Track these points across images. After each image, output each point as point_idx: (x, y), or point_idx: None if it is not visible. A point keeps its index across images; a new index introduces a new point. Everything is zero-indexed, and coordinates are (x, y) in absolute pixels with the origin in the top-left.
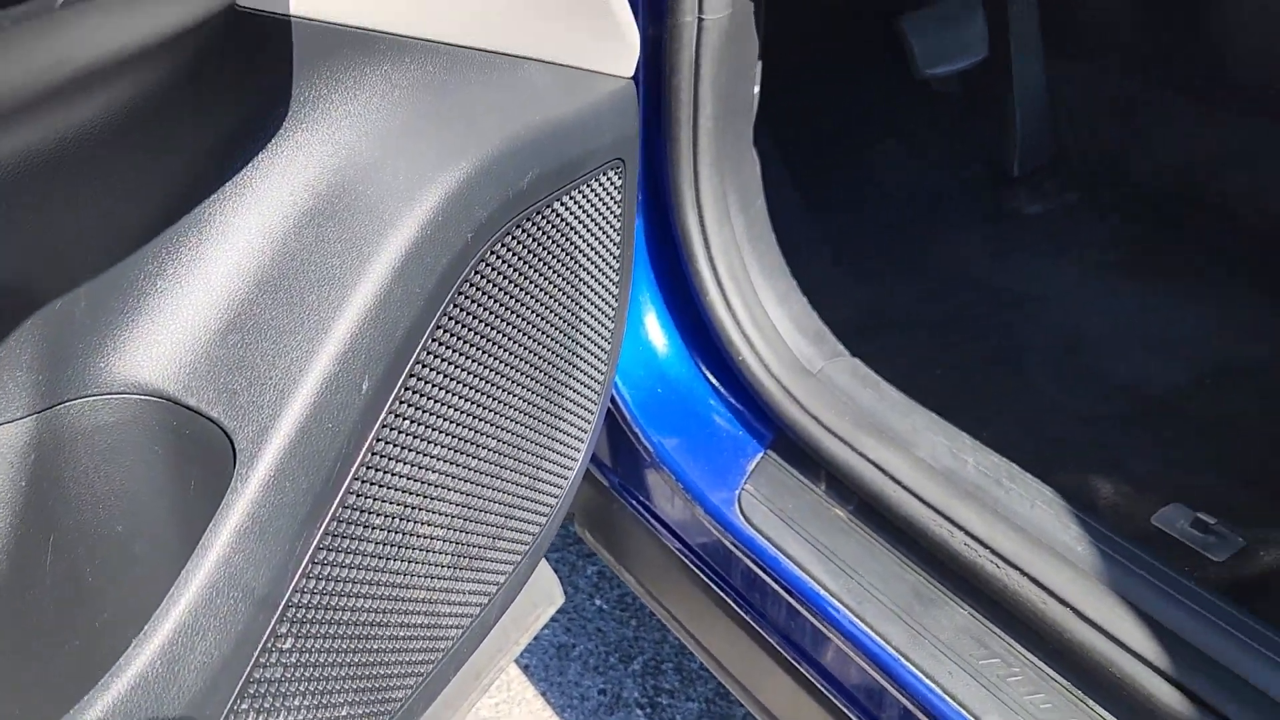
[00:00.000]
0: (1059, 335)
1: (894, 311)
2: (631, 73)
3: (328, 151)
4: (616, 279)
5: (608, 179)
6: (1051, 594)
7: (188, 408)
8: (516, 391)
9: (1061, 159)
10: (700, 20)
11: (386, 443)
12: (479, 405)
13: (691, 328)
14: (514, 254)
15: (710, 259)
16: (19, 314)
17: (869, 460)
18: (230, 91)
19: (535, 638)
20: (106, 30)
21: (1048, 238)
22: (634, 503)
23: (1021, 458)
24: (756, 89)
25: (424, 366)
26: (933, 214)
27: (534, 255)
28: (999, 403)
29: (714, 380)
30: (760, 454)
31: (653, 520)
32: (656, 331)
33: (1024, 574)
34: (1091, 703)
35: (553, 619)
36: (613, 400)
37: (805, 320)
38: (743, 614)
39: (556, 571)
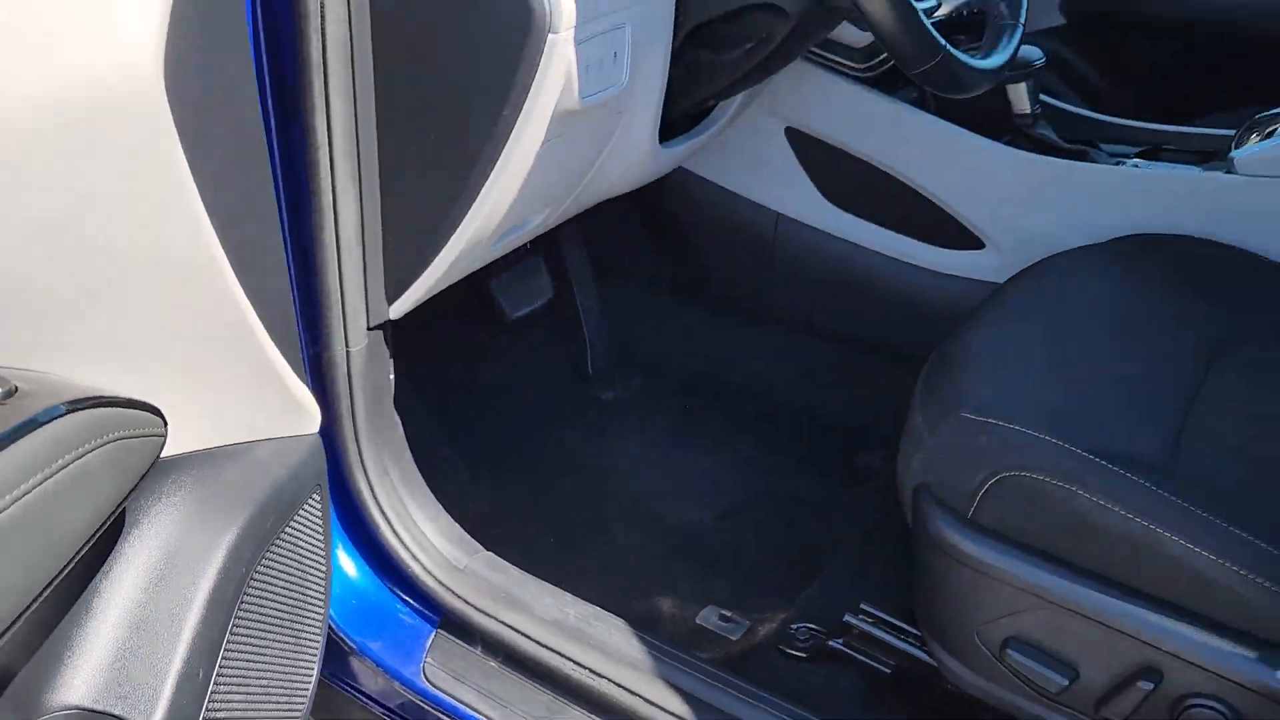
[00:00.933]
0: (630, 495)
1: (517, 503)
2: (318, 430)
3: (153, 539)
4: (323, 550)
5: (313, 500)
6: (626, 689)
7: (98, 712)
8: (274, 641)
9: (626, 354)
10: (348, 350)
11: (214, 701)
12: (257, 657)
13: (373, 555)
14: (267, 567)
15: (379, 505)
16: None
17: (505, 624)
18: None
19: None
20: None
21: (620, 418)
22: (346, 685)
23: (606, 598)
24: (391, 376)
25: (229, 649)
26: (539, 416)
27: (277, 563)
28: (592, 557)
29: (394, 589)
30: (434, 633)
31: (362, 696)
32: (349, 564)
33: (610, 680)
34: None
35: None
36: None
37: (451, 531)
38: None
39: None
